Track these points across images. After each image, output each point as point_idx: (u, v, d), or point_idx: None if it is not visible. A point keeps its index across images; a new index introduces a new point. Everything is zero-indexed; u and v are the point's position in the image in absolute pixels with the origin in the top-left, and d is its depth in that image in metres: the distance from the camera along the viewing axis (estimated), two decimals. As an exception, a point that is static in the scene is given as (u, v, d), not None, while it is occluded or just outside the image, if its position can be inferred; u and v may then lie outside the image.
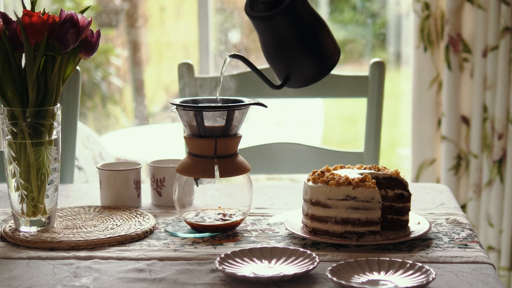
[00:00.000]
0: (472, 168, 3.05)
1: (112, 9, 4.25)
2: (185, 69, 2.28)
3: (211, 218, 1.57)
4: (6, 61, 1.48)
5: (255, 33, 4.16)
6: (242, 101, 1.54)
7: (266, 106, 1.57)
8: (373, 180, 1.48)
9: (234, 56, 1.61)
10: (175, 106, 1.53)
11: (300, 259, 1.36)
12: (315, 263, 1.32)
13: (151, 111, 4.53)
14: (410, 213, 1.56)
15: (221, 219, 1.57)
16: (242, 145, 1.64)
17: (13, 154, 1.52)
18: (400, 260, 1.32)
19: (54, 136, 1.54)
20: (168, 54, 4.45)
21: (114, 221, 1.60)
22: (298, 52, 1.58)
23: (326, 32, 1.62)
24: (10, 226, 1.56)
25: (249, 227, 1.59)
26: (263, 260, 1.37)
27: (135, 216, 1.63)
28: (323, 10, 4.15)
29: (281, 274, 1.30)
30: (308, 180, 1.51)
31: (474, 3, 2.94)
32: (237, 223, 1.57)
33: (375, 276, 1.30)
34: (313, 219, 1.49)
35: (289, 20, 1.56)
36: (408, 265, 1.31)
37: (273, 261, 1.37)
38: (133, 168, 1.71)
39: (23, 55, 1.48)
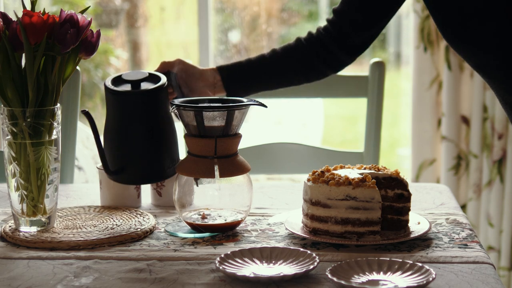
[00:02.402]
0: (472, 168, 3.05)
1: (112, 9, 4.25)
2: (185, 69, 2.27)
3: (209, 218, 1.57)
4: (6, 61, 1.48)
5: (255, 33, 4.16)
6: (242, 101, 1.54)
7: (266, 106, 1.57)
8: (373, 180, 1.48)
9: (84, 112, 1.58)
10: (175, 106, 1.53)
11: (300, 259, 1.36)
12: (315, 263, 1.32)
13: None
14: (410, 213, 1.56)
15: (201, 218, 1.58)
16: (242, 145, 1.64)
17: (13, 154, 1.52)
18: (400, 260, 1.32)
19: (54, 136, 1.54)
20: (168, 54, 4.45)
21: (114, 221, 1.60)
22: (141, 143, 1.57)
23: (173, 141, 1.61)
24: (10, 226, 1.56)
25: (249, 227, 1.59)
26: (263, 260, 1.37)
27: (135, 216, 1.63)
28: (323, 10, 4.15)
29: (281, 274, 1.30)
30: (308, 180, 1.51)
31: (474, 3, 2.94)
32: (237, 223, 1.57)
33: (375, 276, 1.30)
34: (313, 219, 1.49)
35: (144, 104, 1.57)
36: (408, 265, 1.31)
37: (273, 261, 1.37)
38: (133, 168, 1.71)
39: (23, 55, 1.48)
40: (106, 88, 1.58)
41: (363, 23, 1.82)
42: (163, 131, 1.59)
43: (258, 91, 1.88)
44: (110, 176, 1.60)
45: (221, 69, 1.85)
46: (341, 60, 1.87)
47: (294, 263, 1.35)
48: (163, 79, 1.61)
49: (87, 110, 1.56)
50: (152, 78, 1.62)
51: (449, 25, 1.72)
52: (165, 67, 1.79)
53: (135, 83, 1.59)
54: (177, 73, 1.79)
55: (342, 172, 1.52)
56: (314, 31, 1.88)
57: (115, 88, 1.57)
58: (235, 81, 1.85)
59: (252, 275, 1.30)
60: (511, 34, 1.65)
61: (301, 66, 1.87)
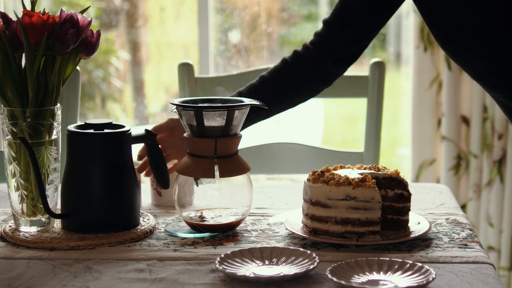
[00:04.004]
0: (472, 168, 3.05)
1: (112, 9, 4.25)
2: (185, 69, 2.28)
3: (210, 218, 1.57)
4: (6, 61, 1.48)
5: (255, 33, 4.16)
6: (242, 101, 1.54)
7: (266, 107, 1.57)
8: (373, 180, 1.48)
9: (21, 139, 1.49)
10: (175, 106, 1.53)
11: (300, 259, 1.36)
12: (315, 263, 1.32)
13: (151, 111, 4.53)
14: (410, 213, 1.56)
15: (200, 218, 1.58)
16: (242, 145, 1.64)
17: (13, 154, 1.52)
18: (400, 260, 1.32)
19: (54, 136, 1.54)
20: (168, 54, 4.45)
21: (114, 221, 1.60)
22: (93, 187, 1.51)
23: (131, 190, 1.54)
24: (10, 226, 1.56)
25: (249, 227, 1.59)
26: (263, 260, 1.37)
27: (135, 216, 1.63)
28: (323, 10, 4.15)
29: (281, 274, 1.30)
30: (308, 180, 1.51)
31: (474, 3, 2.94)
32: (237, 223, 1.57)
33: (375, 276, 1.30)
34: (313, 219, 1.49)
35: (102, 147, 1.51)
36: (408, 265, 1.31)
37: (273, 261, 1.37)
38: (133, 168, 1.71)
39: (23, 55, 1.48)
40: (67, 131, 1.53)
41: (355, 34, 1.79)
42: (119, 178, 1.52)
43: (257, 121, 1.81)
44: (55, 218, 1.53)
45: None
46: (331, 73, 1.83)
47: (294, 263, 1.35)
48: (127, 127, 1.55)
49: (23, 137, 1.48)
50: (116, 126, 1.56)
51: (444, 32, 1.71)
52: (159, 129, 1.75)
53: (98, 127, 1.54)
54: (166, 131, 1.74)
55: (342, 172, 1.52)
56: (299, 48, 1.83)
57: (73, 129, 1.52)
58: None
59: (252, 275, 1.30)
60: (507, 40, 1.65)
61: (292, 88, 1.81)
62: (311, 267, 1.31)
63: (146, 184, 1.84)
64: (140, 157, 1.71)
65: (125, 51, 4.35)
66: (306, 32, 4.24)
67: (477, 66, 1.73)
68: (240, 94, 1.78)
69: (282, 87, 1.81)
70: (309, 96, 1.86)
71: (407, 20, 3.75)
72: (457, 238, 1.50)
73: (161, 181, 1.61)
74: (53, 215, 1.51)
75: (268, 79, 1.80)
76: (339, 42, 1.79)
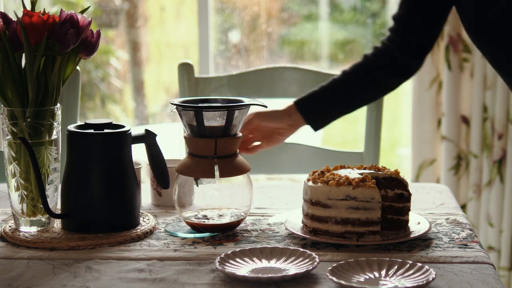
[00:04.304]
0: (472, 168, 3.05)
1: (112, 9, 4.25)
2: (185, 69, 2.28)
3: (210, 218, 1.57)
4: (6, 61, 1.48)
5: (255, 33, 4.16)
6: (242, 101, 1.54)
7: (266, 106, 1.57)
8: (373, 180, 1.48)
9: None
10: (175, 106, 1.53)
11: (300, 259, 1.36)
12: (315, 263, 1.32)
13: (151, 111, 4.52)
14: (410, 213, 1.56)
15: (204, 218, 1.58)
16: (242, 145, 1.64)
17: (13, 154, 1.52)
18: (400, 260, 1.32)
19: (54, 136, 1.54)
20: (168, 54, 4.45)
21: (114, 221, 1.60)
22: (93, 187, 1.51)
23: (130, 191, 1.54)
24: (10, 226, 1.56)
25: (249, 227, 1.59)
26: (263, 260, 1.37)
27: (135, 216, 1.63)
28: (323, 10, 4.15)
29: (281, 274, 1.30)
30: (308, 180, 1.51)
31: (474, 3, 2.94)
32: (237, 223, 1.57)
33: (375, 276, 1.30)
34: (313, 219, 1.49)
35: (102, 147, 1.51)
36: (408, 265, 1.31)
37: (273, 261, 1.37)
38: (133, 168, 1.71)
39: (23, 55, 1.48)
40: (67, 131, 1.53)
41: (424, 23, 1.84)
42: (119, 178, 1.52)
43: (338, 117, 1.91)
44: (55, 218, 1.53)
45: (298, 104, 1.88)
46: (410, 66, 1.91)
47: (294, 263, 1.35)
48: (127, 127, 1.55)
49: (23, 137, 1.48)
50: (116, 126, 1.56)
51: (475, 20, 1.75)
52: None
53: (98, 127, 1.54)
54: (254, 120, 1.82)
55: (342, 172, 1.52)
56: (379, 44, 1.91)
57: (73, 129, 1.52)
58: (314, 113, 1.88)
59: (252, 275, 1.30)
60: None
61: (372, 82, 1.91)
62: (311, 267, 1.31)
63: (146, 184, 1.84)
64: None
65: (124, 51, 4.35)
66: (306, 32, 4.24)
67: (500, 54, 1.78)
68: (323, 87, 1.88)
69: (362, 80, 1.90)
70: (388, 90, 1.94)
71: (407, 20, 3.75)
72: (457, 238, 1.50)
73: (161, 181, 1.61)
74: (53, 215, 1.51)
75: (348, 73, 1.90)
76: (409, 34, 1.86)
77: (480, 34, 1.76)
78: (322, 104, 1.89)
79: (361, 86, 1.91)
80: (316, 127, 1.91)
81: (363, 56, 1.93)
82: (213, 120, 1.51)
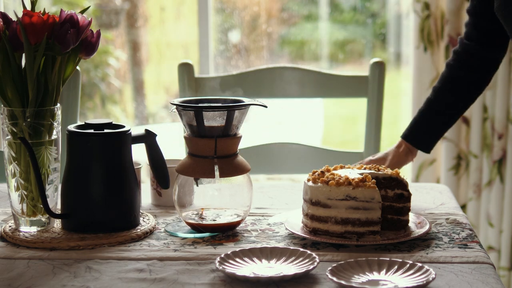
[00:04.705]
0: (472, 168, 3.05)
1: (112, 9, 4.25)
2: (185, 69, 2.28)
3: (208, 218, 1.57)
4: (6, 61, 1.48)
5: (255, 33, 4.16)
6: (242, 101, 1.54)
7: (266, 106, 1.57)
8: (373, 180, 1.48)
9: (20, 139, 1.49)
10: (175, 106, 1.53)
11: (300, 259, 1.36)
12: (315, 263, 1.32)
13: (151, 111, 4.52)
14: (410, 213, 1.56)
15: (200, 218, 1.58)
16: (242, 145, 1.64)
17: (13, 154, 1.52)
18: (400, 260, 1.32)
19: (54, 136, 1.54)
20: (168, 54, 4.44)
21: (114, 221, 1.60)
22: (93, 187, 1.51)
23: (130, 191, 1.53)
24: (10, 226, 1.56)
25: (249, 227, 1.59)
26: (263, 260, 1.37)
27: (135, 216, 1.62)
28: (323, 10, 4.15)
29: (281, 274, 1.30)
30: (308, 180, 1.51)
31: (474, 3, 2.94)
32: (237, 223, 1.57)
33: (375, 276, 1.30)
34: (313, 219, 1.49)
35: (101, 147, 1.51)
36: (408, 265, 1.31)
37: (273, 261, 1.37)
38: (133, 168, 1.71)
39: (23, 55, 1.48)
40: (67, 131, 1.52)
41: (493, 17, 1.84)
42: (119, 178, 1.52)
43: (445, 131, 1.94)
44: (55, 218, 1.53)
45: (407, 138, 1.91)
46: (494, 56, 1.90)
47: (294, 263, 1.35)
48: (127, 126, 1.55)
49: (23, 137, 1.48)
50: (116, 126, 1.56)
51: None
52: None
53: (98, 127, 1.54)
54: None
55: (342, 172, 1.52)
56: (457, 46, 1.91)
57: (73, 129, 1.52)
58: (424, 139, 1.91)
59: (252, 275, 1.30)
60: None
61: (464, 86, 1.90)
62: (311, 267, 1.31)
63: (146, 184, 1.84)
64: None
65: (123, 51, 4.35)
66: (306, 32, 4.24)
67: None
68: (422, 112, 1.92)
69: (454, 90, 1.90)
70: (483, 85, 1.93)
71: (407, 20, 3.75)
72: (457, 238, 1.50)
73: (161, 181, 1.61)
74: (53, 215, 1.51)
75: (439, 88, 1.91)
76: (487, 23, 1.86)
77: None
78: (429, 130, 1.92)
79: (457, 95, 1.91)
80: (429, 150, 1.93)
81: (446, 65, 1.93)
82: (213, 120, 1.51)
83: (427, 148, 1.92)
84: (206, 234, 1.54)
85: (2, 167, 1.97)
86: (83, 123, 1.56)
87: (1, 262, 1.40)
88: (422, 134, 1.91)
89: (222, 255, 1.36)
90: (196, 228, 1.55)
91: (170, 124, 4.32)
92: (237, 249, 1.39)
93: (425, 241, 1.49)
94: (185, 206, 1.57)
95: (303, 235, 1.48)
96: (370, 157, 1.92)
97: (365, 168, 1.57)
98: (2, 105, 1.52)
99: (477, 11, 1.87)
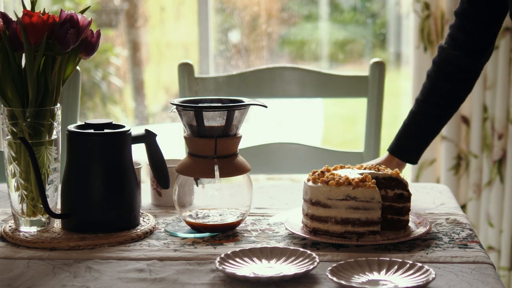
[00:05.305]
0: (472, 168, 3.05)
1: (112, 9, 4.25)
2: (185, 69, 2.28)
3: (210, 218, 1.57)
4: (6, 61, 1.48)
5: (255, 33, 4.16)
6: (242, 101, 1.54)
7: (266, 106, 1.57)
8: (373, 180, 1.48)
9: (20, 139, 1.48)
10: (175, 106, 1.53)
11: (300, 259, 1.36)
12: (315, 263, 1.32)
13: (151, 111, 4.52)
14: (410, 213, 1.56)
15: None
16: (242, 145, 1.64)
17: (13, 154, 1.52)
18: (400, 260, 1.32)
19: (54, 136, 1.54)
20: (168, 54, 4.44)
21: (114, 221, 1.60)
22: (93, 187, 1.51)
23: (130, 191, 1.53)
24: (10, 226, 1.56)
25: (249, 227, 1.59)
26: (263, 260, 1.37)
27: (135, 216, 1.62)
28: (323, 10, 4.15)
29: (281, 274, 1.30)
30: (308, 180, 1.51)
31: (474, 3, 2.94)
32: (237, 223, 1.57)
33: (375, 276, 1.30)
34: (313, 219, 1.49)
35: (101, 147, 1.51)
36: (408, 265, 1.31)
37: (273, 261, 1.37)
38: (133, 168, 1.71)
39: (23, 55, 1.48)
40: (67, 131, 1.52)
41: (487, 19, 1.82)
42: (119, 178, 1.52)
43: (431, 141, 1.93)
44: (55, 218, 1.53)
45: (394, 153, 1.90)
46: (474, 65, 1.87)
47: (294, 263, 1.35)
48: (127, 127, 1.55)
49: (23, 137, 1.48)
50: (116, 126, 1.56)
51: None
52: None
53: (98, 127, 1.54)
54: None
55: (342, 172, 1.52)
56: (436, 56, 1.89)
57: (73, 129, 1.52)
58: (410, 153, 1.91)
59: (252, 275, 1.30)
60: None
61: (448, 97, 1.89)
62: (311, 267, 1.31)
63: (146, 184, 1.84)
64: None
65: (124, 49, 4.35)
66: (306, 32, 4.24)
67: None
68: (405, 125, 1.92)
69: (436, 101, 1.88)
70: (465, 94, 1.92)
71: (407, 20, 3.75)
72: (457, 238, 1.50)
73: (161, 181, 1.61)
74: (53, 215, 1.51)
75: (421, 100, 1.90)
76: (474, 26, 1.83)
77: None
78: (415, 144, 1.91)
79: (440, 108, 1.89)
80: (416, 162, 1.93)
81: (426, 76, 1.91)
82: (213, 120, 1.51)
83: (415, 160, 1.91)
84: (206, 234, 1.54)
85: (2, 167, 1.97)
86: (83, 123, 1.56)
87: (1, 262, 1.40)
88: (408, 148, 1.90)
89: (222, 255, 1.36)
90: (196, 228, 1.55)
91: (170, 124, 4.33)
92: (237, 249, 1.39)
93: (425, 241, 1.49)
94: (185, 206, 1.57)
95: (303, 235, 1.48)
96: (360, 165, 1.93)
97: (365, 168, 1.57)
98: (2, 105, 1.52)
99: (467, 14, 1.83)
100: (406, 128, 1.91)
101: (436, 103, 1.88)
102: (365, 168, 1.57)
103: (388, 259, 1.33)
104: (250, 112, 1.58)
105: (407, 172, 3.18)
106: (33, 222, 1.54)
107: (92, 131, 1.53)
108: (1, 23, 1.48)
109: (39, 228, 1.54)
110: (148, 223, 1.57)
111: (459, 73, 1.87)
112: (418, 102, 1.90)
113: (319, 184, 1.48)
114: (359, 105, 2.59)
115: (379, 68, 2.25)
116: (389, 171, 1.56)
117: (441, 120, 1.91)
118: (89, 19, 1.52)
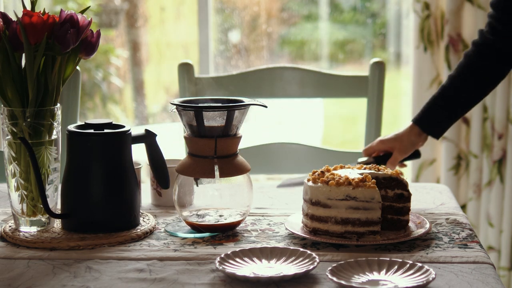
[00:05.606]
0: (472, 168, 3.05)
1: (112, 9, 4.25)
2: (185, 69, 2.28)
3: (210, 218, 1.57)
4: (6, 61, 1.48)
5: (255, 33, 4.16)
6: (242, 101, 1.54)
7: (266, 106, 1.57)
8: (373, 180, 1.48)
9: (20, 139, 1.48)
10: (175, 106, 1.53)
11: (300, 259, 1.36)
12: (315, 263, 1.32)
13: (151, 111, 4.52)
14: (410, 213, 1.56)
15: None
16: (242, 145, 1.64)
17: (13, 154, 1.52)
18: (400, 260, 1.32)
19: (54, 136, 1.54)
20: (168, 54, 4.44)
21: (114, 221, 1.60)
22: (93, 187, 1.51)
23: (130, 191, 1.53)
24: (10, 226, 1.56)
25: (249, 227, 1.59)
26: (263, 260, 1.37)
27: (135, 216, 1.62)
28: (323, 10, 4.15)
29: (281, 274, 1.30)
30: (308, 180, 1.51)
31: (474, 3, 2.94)
32: (237, 223, 1.57)
33: (375, 276, 1.30)
34: (313, 219, 1.49)
35: (102, 147, 1.51)
36: (408, 265, 1.31)
37: (273, 261, 1.37)
38: (133, 168, 1.71)
39: (23, 55, 1.48)
40: (67, 131, 1.52)
41: None
42: (119, 178, 1.52)
43: (456, 120, 1.94)
44: (55, 218, 1.53)
45: (418, 123, 1.91)
46: (509, 53, 1.91)
47: (294, 263, 1.35)
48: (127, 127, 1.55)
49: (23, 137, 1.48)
50: (116, 126, 1.56)
51: None
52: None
53: (98, 127, 1.54)
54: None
55: (342, 172, 1.52)
56: (477, 38, 1.92)
57: (73, 129, 1.52)
58: (435, 126, 1.92)
59: (252, 275, 1.30)
60: None
61: (480, 75, 1.91)
62: (311, 267, 1.31)
63: (146, 184, 1.84)
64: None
65: (124, 49, 4.34)
66: (306, 32, 4.24)
67: None
68: (435, 97, 1.92)
69: (469, 80, 1.91)
70: (498, 79, 1.95)
71: (407, 20, 3.75)
72: (457, 238, 1.50)
73: (161, 181, 1.61)
74: (53, 215, 1.51)
75: (454, 76, 1.91)
76: (508, 20, 1.87)
77: None
78: (439, 115, 1.92)
79: (470, 86, 1.91)
80: (438, 136, 1.93)
81: (464, 55, 1.93)
82: (213, 120, 1.51)
83: (438, 134, 1.92)
84: (206, 234, 1.54)
85: (2, 167, 1.97)
86: (83, 123, 1.56)
87: (1, 262, 1.40)
88: (433, 121, 1.91)
89: (222, 255, 1.36)
90: (196, 228, 1.55)
91: (170, 124, 4.33)
92: (237, 249, 1.39)
93: (425, 241, 1.49)
94: (185, 206, 1.57)
95: (303, 235, 1.48)
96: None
97: (365, 168, 1.57)
98: (2, 105, 1.52)
99: (501, 6, 1.87)
100: (434, 99, 1.92)
101: (469, 79, 1.90)
102: (364, 168, 1.57)
103: (388, 259, 1.33)
104: (250, 112, 1.58)
105: (407, 172, 3.18)
106: (33, 222, 1.54)
107: (92, 131, 1.53)
108: (1, 23, 1.48)
109: (39, 228, 1.54)
110: (148, 223, 1.57)
111: (496, 55, 1.90)
112: (450, 77, 1.92)
113: (319, 184, 1.48)
114: (359, 105, 2.59)
115: (379, 68, 2.25)
116: (389, 171, 1.56)
117: (470, 97, 1.92)
118: (89, 19, 1.52)
